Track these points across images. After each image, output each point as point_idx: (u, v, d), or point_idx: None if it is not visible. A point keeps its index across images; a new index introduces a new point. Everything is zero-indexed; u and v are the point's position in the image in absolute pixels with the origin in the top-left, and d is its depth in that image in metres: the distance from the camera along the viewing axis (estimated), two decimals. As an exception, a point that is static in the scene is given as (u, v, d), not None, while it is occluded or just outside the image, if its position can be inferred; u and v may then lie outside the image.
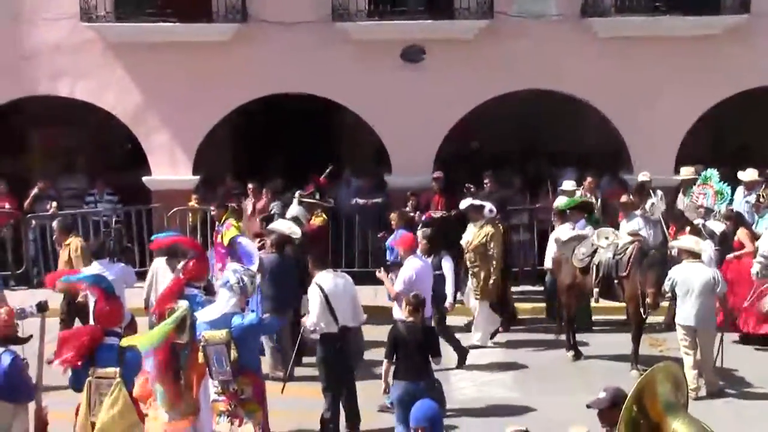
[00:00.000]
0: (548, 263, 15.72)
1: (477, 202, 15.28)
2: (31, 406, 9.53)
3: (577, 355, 14.47)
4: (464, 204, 15.50)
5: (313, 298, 11.69)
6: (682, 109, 18.12)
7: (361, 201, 18.37)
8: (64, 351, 9.22)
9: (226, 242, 14.26)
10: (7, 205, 18.37)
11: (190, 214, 17.88)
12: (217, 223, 15.45)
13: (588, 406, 7.60)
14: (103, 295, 9.64)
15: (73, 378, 9.27)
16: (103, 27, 18.09)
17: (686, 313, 12.90)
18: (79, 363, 9.16)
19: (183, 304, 10.59)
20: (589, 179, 17.29)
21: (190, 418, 10.26)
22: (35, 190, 18.49)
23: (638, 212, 15.87)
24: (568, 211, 15.61)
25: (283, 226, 14.65)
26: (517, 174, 19.07)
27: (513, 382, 13.68)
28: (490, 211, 15.00)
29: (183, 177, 18.38)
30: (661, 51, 17.94)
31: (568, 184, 16.92)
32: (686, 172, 16.89)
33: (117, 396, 9.16)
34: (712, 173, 16.16)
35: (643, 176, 16.90)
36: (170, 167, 18.54)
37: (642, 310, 13.50)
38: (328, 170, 17.27)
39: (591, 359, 14.42)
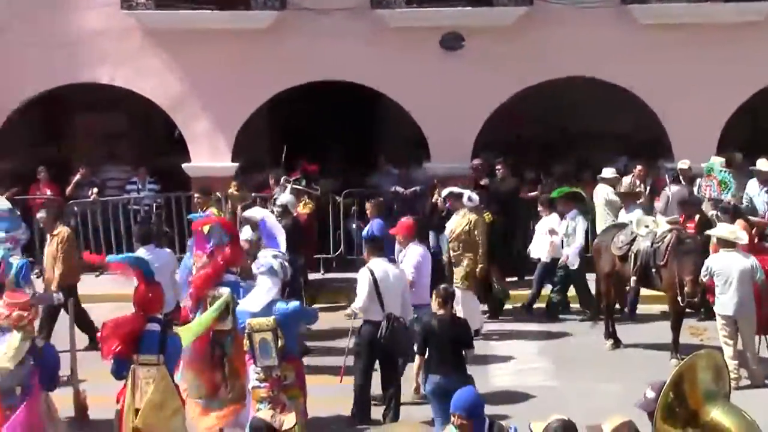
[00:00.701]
0: (537, 253, 15.72)
1: (456, 190, 14.99)
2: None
3: (616, 344, 14.41)
4: (445, 192, 15.31)
5: (363, 282, 11.73)
6: (723, 96, 17.96)
7: (399, 189, 18.38)
8: (110, 340, 9.26)
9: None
10: (48, 192, 18.55)
11: (228, 201, 17.94)
12: (199, 210, 15.31)
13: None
14: (144, 279, 9.65)
15: (116, 366, 9.31)
16: (143, 14, 18.20)
17: (725, 302, 12.82)
18: (127, 352, 9.20)
19: (225, 291, 10.66)
20: (639, 167, 17.19)
21: (236, 406, 10.34)
22: (77, 177, 18.64)
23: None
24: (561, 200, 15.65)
25: (257, 213, 14.56)
26: (560, 162, 18.97)
27: (551, 371, 13.65)
28: (469, 199, 14.73)
29: (222, 164, 18.45)
30: (702, 38, 17.79)
31: (607, 172, 16.83)
32: (715, 161, 16.70)
33: (159, 382, 9.20)
34: (714, 164, 16.09)
35: (682, 164, 16.81)
36: (209, 154, 18.63)
37: (680, 299, 13.44)
38: (283, 152, 17.09)
39: (630, 348, 14.36)
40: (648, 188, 17.13)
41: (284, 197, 15.49)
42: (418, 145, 18.86)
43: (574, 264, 15.55)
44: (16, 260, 11.98)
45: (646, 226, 14.24)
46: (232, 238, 11.45)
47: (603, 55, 17.94)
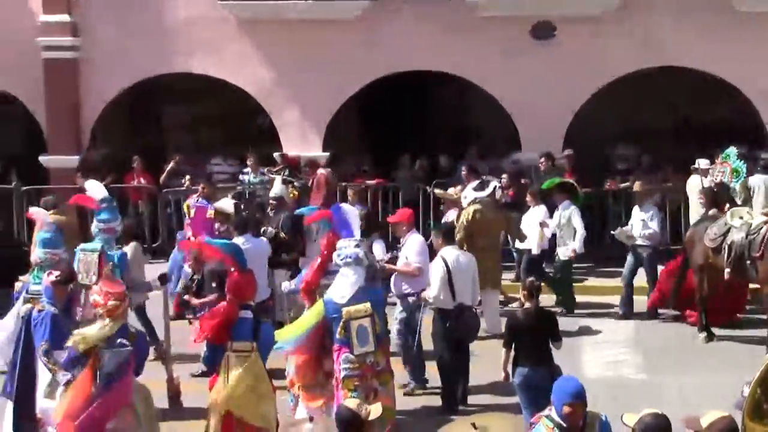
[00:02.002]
0: (527, 244, 15.45)
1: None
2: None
3: (710, 337, 14.20)
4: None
5: (436, 271, 11.77)
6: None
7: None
8: (204, 327, 9.38)
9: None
10: (143, 181, 18.86)
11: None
12: (199, 198, 15.47)
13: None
14: (238, 267, 9.73)
15: (209, 354, 9.43)
16: (237, 5, 18.41)
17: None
18: (221, 340, 9.32)
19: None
20: None
21: (331, 395, 10.40)
22: (171, 165, 18.91)
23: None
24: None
25: (226, 204, 14.61)
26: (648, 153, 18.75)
27: (642, 363, 13.53)
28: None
29: (313, 153, 18.58)
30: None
31: (702, 162, 16.55)
32: (732, 150, 16.32)
33: (251, 368, 9.30)
34: (732, 151, 15.76)
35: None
36: (301, 143, 18.76)
37: (777, 292, 13.22)
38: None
39: (725, 341, 14.15)
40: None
41: (277, 189, 15.68)
42: (508, 135, 18.80)
43: (581, 250, 15.27)
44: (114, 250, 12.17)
45: (741, 217, 14.00)
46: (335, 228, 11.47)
47: (696, 44, 17.71)
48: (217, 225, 14.24)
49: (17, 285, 10.82)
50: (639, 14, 17.72)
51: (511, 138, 18.55)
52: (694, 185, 16.43)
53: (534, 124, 18.10)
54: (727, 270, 13.89)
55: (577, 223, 15.20)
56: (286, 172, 17.04)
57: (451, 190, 15.91)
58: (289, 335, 10.29)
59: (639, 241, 15.20)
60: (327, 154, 18.70)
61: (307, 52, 18.30)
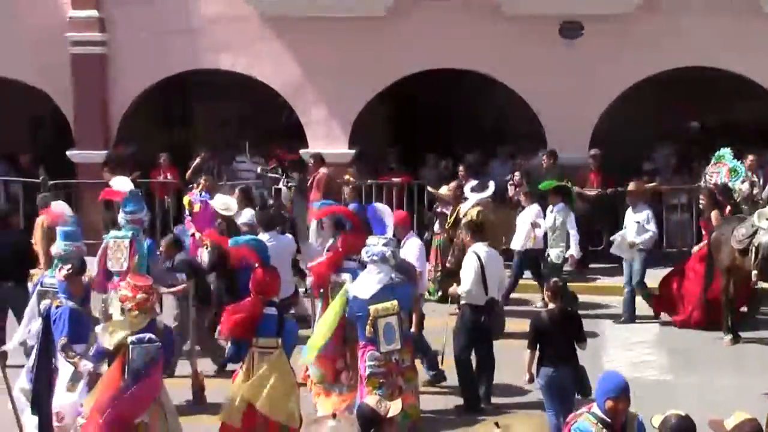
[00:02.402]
0: (516, 245, 15.40)
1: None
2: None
3: (736, 339, 14.12)
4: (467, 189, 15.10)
5: (469, 266, 11.73)
6: None
7: (516, 177, 18.26)
8: (228, 324, 9.41)
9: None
10: (169, 176, 18.93)
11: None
12: (202, 192, 15.35)
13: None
14: (262, 264, 9.77)
15: (234, 350, 9.45)
16: (262, 1, 18.43)
17: None
18: (245, 336, 9.34)
19: (346, 277, 10.74)
20: (750, 157, 16.66)
21: (354, 393, 10.43)
22: (196, 162, 18.95)
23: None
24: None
25: (217, 202, 14.58)
26: (676, 153, 18.66)
27: (667, 364, 13.48)
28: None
29: (339, 150, 18.59)
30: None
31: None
32: (725, 150, 16.17)
33: (276, 364, 9.32)
34: (726, 151, 15.73)
35: None
36: (327, 140, 18.77)
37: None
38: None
39: (750, 344, 14.06)
40: (761, 178, 16.70)
41: (246, 216, 15.44)
42: (537, 134, 18.75)
43: (578, 255, 15.19)
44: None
45: (767, 219, 13.92)
46: (353, 225, 11.49)
47: (725, 43, 17.56)
48: (218, 220, 14.34)
49: (33, 278, 10.89)
50: (667, 13, 17.62)
51: (540, 137, 18.48)
52: None
53: (561, 124, 18.03)
54: (754, 272, 13.82)
55: (571, 226, 15.08)
56: (279, 171, 17.03)
57: (443, 189, 15.81)
58: (317, 343, 10.33)
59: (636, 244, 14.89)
60: (353, 151, 18.71)
61: (334, 49, 18.30)
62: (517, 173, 17.29)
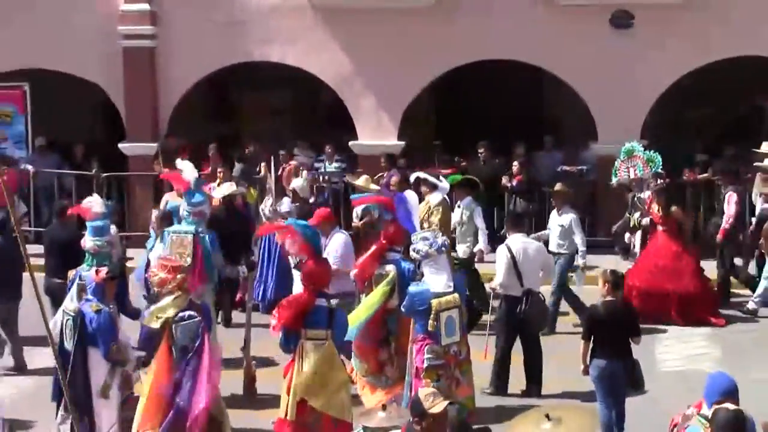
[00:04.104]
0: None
1: (423, 175, 14.27)
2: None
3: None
4: (413, 177, 14.70)
5: (501, 259, 11.85)
6: None
7: (567, 168, 18.20)
8: (281, 315, 9.44)
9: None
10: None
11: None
12: (213, 185, 15.13)
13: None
14: (313, 255, 9.73)
15: (284, 340, 9.44)
16: (314, -7, 18.46)
17: None
18: (296, 326, 9.36)
19: (390, 269, 10.74)
20: None
21: (399, 386, 10.42)
22: (244, 153, 19.03)
23: None
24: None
25: (223, 189, 14.47)
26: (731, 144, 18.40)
27: (722, 357, 13.33)
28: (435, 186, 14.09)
29: (388, 142, 18.57)
30: None
31: (765, 147, 16.01)
32: (633, 142, 15.90)
33: (326, 356, 9.32)
34: (635, 145, 15.51)
35: None
36: (376, 132, 18.77)
37: None
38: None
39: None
40: None
41: (296, 182, 15.43)
42: (586, 125, 18.61)
43: (488, 250, 14.26)
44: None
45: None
46: (394, 216, 11.45)
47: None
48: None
49: (70, 274, 10.75)
50: (719, 4, 17.42)
51: (589, 128, 18.36)
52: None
53: (612, 115, 17.90)
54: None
55: (479, 221, 14.44)
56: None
57: (361, 180, 15.08)
58: (358, 318, 10.34)
59: (554, 249, 14.11)
60: (402, 143, 18.68)
61: (383, 41, 18.28)
62: (516, 163, 17.42)
